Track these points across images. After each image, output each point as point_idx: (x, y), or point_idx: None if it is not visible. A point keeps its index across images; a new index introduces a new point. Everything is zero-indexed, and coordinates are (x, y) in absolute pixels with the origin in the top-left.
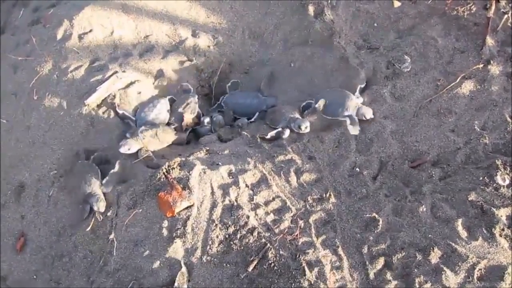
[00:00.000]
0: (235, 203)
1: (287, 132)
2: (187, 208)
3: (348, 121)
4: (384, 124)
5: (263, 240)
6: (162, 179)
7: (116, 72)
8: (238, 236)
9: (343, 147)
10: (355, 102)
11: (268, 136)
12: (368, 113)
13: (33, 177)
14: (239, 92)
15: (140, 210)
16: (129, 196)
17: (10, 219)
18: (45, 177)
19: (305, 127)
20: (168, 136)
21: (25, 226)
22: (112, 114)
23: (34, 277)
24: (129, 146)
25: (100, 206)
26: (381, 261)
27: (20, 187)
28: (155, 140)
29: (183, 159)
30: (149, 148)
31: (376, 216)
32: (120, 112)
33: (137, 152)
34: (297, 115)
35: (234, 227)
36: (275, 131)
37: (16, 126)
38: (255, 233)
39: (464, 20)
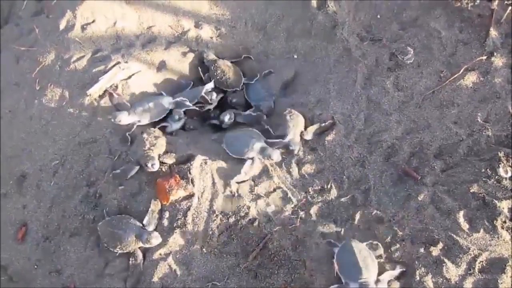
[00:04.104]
0: (236, 194)
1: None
2: (187, 198)
3: None
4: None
5: (264, 230)
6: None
7: (118, 62)
8: (239, 226)
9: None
10: None
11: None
12: None
13: (35, 167)
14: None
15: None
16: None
17: (12, 209)
18: (47, 167)
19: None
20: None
21: (26, 216)
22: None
23: (35, 266)
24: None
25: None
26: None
27: (22, 177)
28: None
29: None
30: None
31: (378, 209)
32: (115, 98)
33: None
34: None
35: (235, 217)
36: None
37: (18, 116)
38: (256, 224)
39: (468, 11)
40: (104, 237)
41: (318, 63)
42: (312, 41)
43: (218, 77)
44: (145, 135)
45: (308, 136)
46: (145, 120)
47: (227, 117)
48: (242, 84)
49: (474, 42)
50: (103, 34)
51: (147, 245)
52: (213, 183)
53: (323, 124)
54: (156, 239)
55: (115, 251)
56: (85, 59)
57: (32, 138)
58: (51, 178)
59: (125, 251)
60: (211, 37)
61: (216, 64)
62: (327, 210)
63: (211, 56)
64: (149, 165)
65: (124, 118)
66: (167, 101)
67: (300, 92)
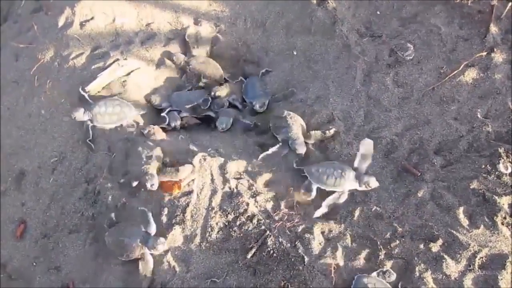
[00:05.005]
0: (235, 190)
1: (285, 150)
2: (186, 195)
3: None
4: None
5: (263, 227)
6: None
7: (117, 59)
8: (238, 223)
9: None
10: None
11: (270, 152)
12: None
13: (34, 165)
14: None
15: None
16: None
17: (11, 206)
18: (46, 165)
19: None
20: None
21: (25, 213)
22: None
23: (34, 264)
24: None
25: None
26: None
27: (20, 174)
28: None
29: None
30: None
31: (377, 205)
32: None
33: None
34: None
35: (234, 214)
36: (275, 148)
37: (17, 114)
38: (255, 220)
39: (468, 7)
40: (111, 247)
41: (317, 60)
42: (312, 38)
43: (200, 77)
44: (140, 148)
45: (311, 140)
46: (100, 123)
47: (222, 126)
48: (225, 75)
49: (474, 38)
50: (102, 31)
51: (152, 251)
52: (212, 180)
53: (327, 135)
54: (162, 245)
55: (123, 259)
56: (84, 56)
57: (31, 136)
58: (50, 175)
59: (132, 258)
60: (211, 34)
61: (190, 66)
62: None
63: (181, 58)
64: (149, 185)
65: (79, 116)
66: (129, 111)
67: (299, 89)
